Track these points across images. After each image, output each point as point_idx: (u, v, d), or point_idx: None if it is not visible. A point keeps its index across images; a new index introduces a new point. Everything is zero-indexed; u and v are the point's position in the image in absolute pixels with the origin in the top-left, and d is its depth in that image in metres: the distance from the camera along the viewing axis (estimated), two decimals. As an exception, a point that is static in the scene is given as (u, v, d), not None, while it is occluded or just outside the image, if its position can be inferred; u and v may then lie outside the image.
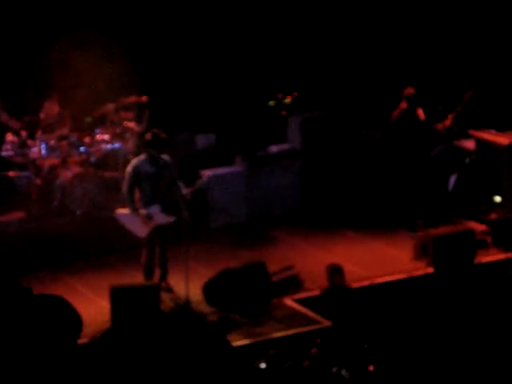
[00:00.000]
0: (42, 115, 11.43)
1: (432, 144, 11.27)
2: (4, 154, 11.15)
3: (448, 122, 11.20)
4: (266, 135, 12.43)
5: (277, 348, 8.06)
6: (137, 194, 9.25)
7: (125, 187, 9.25)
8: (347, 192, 11.73)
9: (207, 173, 11.24)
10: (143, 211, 9.15)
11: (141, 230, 9.19)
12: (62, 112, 11.54)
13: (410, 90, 10.90)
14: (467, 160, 11.50)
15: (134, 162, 9.30)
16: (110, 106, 11.64)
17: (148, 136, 9.30)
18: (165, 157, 9.35)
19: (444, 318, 8.71)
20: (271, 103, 13.11)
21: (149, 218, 9.12)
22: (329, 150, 12.09)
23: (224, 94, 13.05)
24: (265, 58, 13.24)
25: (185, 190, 9.48)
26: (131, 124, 11.59)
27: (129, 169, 9.27)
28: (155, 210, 9.17)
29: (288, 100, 13.10)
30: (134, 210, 9.16)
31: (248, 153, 11.77)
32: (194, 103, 12.89)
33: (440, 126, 11.20)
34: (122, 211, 9.35)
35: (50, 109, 11.46)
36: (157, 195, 9.21)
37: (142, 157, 9.30)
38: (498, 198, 11.07)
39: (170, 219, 9.25)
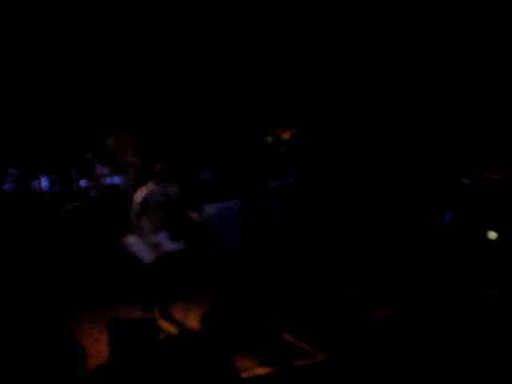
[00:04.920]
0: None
1: None
2: (5, 187, 11.27)
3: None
4: (265, 170, 12.55)
5: (271, 382, 8.10)
6: (145, 222, 9.43)
7: (133, 215, 9.43)
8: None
9: (205, 207, 11.36)
10: (151, 238, 9.34)
11: (148, 257, 9.36)
12: None
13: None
14: (463, 195, 11.59)
15: (143, 192, 9.49)
16: (111, 141, 11.78)
17: (157, 168, 9.48)
18: (172, 186, 9.58)
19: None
20: (269, 139, 13.22)
21: (157, 245, 9.31)
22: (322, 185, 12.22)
23: (222, 130, 13.18)
24: (263, 94, 13.40)
25: (196, 217, 9.71)
26: (131, 158, 11.71)
27: (137, 198, 9.46)
28: (163, 237, 9.38)
29: (286, 136, 13.21)
30: (142, 237, 9.34)
31: (246, 188, 11.90)
32: (191, 138, 13.01)
33: None
34: (130, 239, 9.51)
35: None
36: (164, 223, 9.43)
37: (150, 186, 9.50)
38: (492, 234, 11.14)
39: (177, 247, 9.45)
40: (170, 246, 9.40)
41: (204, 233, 11.32)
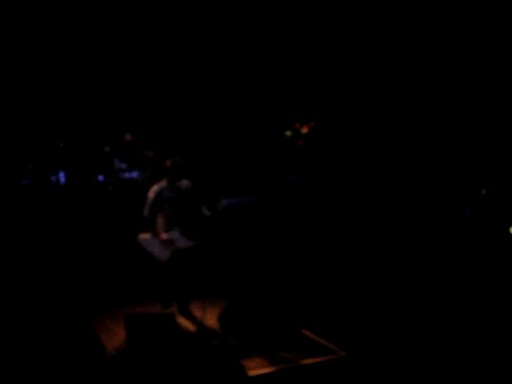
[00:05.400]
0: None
1: None
2: (24, 182, 11.28)
3: None
4: (284, 164, 12.51)
5: (292, 378, 8.06)
6: (159, 219, 9.37)
7: (146, 212, 9.38)
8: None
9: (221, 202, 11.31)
10: (164, 235, 9.28)
11: (162, 254, 9.31)
12: None
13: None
14: (483, 191, 11.51)
15: (156, 187, 9.43)
16: (129, 136, 11.76)
17: (168, 163, 9.42)
18: (185, 182, 9.48)
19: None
20: (288, 133, 13.17)
21: (170, 242, 9.25)
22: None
23: (240, 124, 13.14)
24: (282, 88, 13.35)
25: (208, 213, 9.58)
26: (149, 153, 11.68)
27: (150, 194, 9.40)
28: (176, 234, 9.32)
29: (305, 130, 13.15)
30: (155, 234, 9.29)
31: (265, 182, 11.86)
32: (209, 133, 12.98)
33: None
34: (144, 236, 9.46)
35: None
36: (178, 220, 9.37)
37: (163, 182, 9.43)
38: (514, 229, 11.06)
39: (190, 244, 9.39)
40: (183, 242, 9.34)
41: (217, 229, 11.26)
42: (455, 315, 9.40)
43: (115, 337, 8.90)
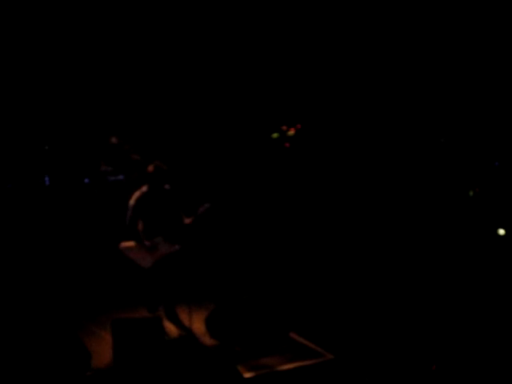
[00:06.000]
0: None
1: None
2: (9, 185, 11.23)
3: None
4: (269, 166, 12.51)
5: (280, 381, 8.04)
6: (140, 225, 9.29)
7: (128, 219, 9.30)
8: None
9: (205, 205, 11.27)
10: (147, 242, 9.19)
11: (145, 261, 9.23)
12: None
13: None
14: (471, 192, 11.52)
15: (137, 193, 9.35)
16: (115, 139, 11.72)
17: (150, 168, 9.34)
18: (166, 187, 9.41)
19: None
20: (275, 135, 13.16)
21: (153, 248, 9.16)
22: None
23: (227, 126, 13.12)
24: (268, 90, 13.34)
25: (187, 220, 9.52)
26: (135, 156, 11.65)
27: (132, 201, 9.33)
28: (159, 240, 9.23)
29: (291, 132, 13.15)
30: (138, 241, 9.20)
31: (250, 185, 11.85)
32: (196, 135, 12.97)
33: None
34: (126, 244, 9.38)
35: None
36: (160, 226, 9.28)
37: (144, 188, 9.35)
38: (501, 231, 11.06)
39: (174, 249, 9.32)
40: (166, 248, 9.26)
41: (201, 232, 11.19)
42: (442, 317, 9.39)
43: (102, 342, 8.86)
